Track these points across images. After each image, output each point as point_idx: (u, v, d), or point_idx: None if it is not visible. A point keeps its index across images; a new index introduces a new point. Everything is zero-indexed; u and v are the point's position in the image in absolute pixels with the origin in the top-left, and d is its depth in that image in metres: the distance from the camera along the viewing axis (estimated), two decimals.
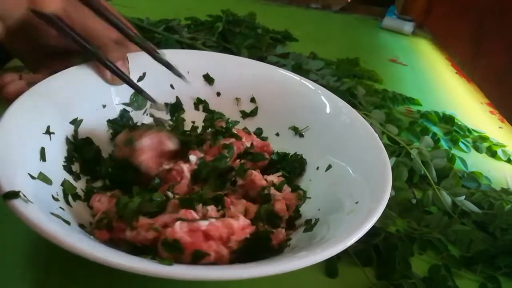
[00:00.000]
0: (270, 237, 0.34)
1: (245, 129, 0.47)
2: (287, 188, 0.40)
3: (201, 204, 0.34)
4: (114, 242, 0.32)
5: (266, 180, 0.40)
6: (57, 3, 0.29)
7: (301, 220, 0.38)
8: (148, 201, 0.33)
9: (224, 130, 0.43)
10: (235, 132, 0.43)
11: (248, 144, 0.43)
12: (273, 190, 0.38)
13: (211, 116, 0.48)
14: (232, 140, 0.42)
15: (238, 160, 0.41)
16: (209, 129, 0.45)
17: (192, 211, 0.32)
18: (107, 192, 0.37)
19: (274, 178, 0.41)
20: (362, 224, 0.30)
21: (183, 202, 0.33)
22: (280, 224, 0.37)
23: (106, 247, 0.28)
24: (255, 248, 0.33)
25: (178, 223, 0.30)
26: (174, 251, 0.29)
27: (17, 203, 0.27)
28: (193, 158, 0.39)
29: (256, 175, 0.39)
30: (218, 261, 0.31)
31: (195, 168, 0.39)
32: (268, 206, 0.37)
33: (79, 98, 0.41)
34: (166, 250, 0.30)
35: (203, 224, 0.31)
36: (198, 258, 0.30)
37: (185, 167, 0.38)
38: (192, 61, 0.49)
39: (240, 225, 0.32)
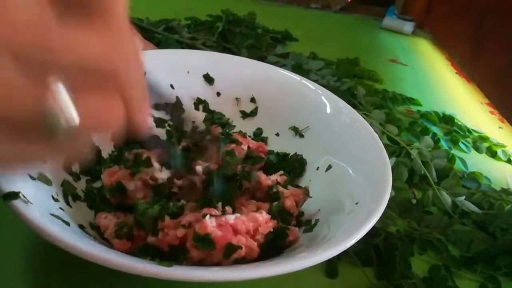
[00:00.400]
0: (287, 233, 0.34)
1: (240, 132, 0.46)
2: (290, 186, 0.40)
3: (220, 203, 0.34)
4: (133, 252, 0.30)
5: (269, 179, 0.40)
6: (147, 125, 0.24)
7: (303, 218, 0.38)
8: (167, 207, 0.33)
9: (224, 136, 0.43)
10: (236, 138, 0.43)
11: (245, 148, 0.43)
12: (280, 188, 0.39)
13: (211, 116, 0.48)
14: (233, 145, 0.42)
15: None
16: (208, 136, 0.45)
17: (213, 209, 0.32)
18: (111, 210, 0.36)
19: (277, 177, 0.41)
20: (362, 224, 0.30)
21: (203, 202, 0.33)
22: (291, 220, 0.37)
23: (105, 248, 0.28)
24: (274, 244, 0.33)
25: (207, 217, 0.30)
26: (206, 246, 0.29)
27: (17, 203, 0.27)
28: (199, 168, 0.38)
29: (261, 175, 0.39)
30: (247, 256, 0.30)
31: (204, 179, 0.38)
32: (279, 203, 0.37)
33: None
34: (199, 244, 0.29)
35: (231, 218, 0.31)
36: (230, 252, 0.29)
37: (197, 179, 0.37)
38: (192, 61, 0.49)
39: (264, 218, 0.32)
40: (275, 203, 0.37)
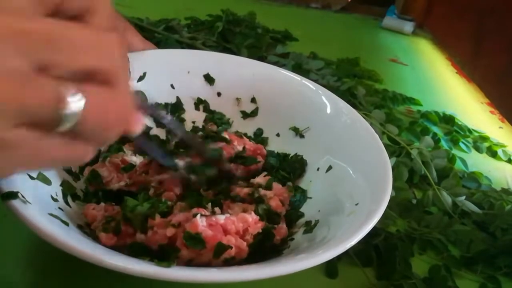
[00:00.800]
0: (273, 233, 0.35)
1: (237, 132, 0.46)
2: (276, 185, 0.40)
3: (210, 204, 0.35)
4: (119, 249, 0.30)
5: (252, 183, 0.40)
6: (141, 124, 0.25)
7: (303, 219, 0.38)
8: (157, 204, 0.33)
9: (214, 134, 0.43)
10: (225, 137, 0.43)
11: (240, 148, 0.43)
12: (263, 191, 0.38)
13: (212, 116, 0.48)
14: (222, 144, 0.42)
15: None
16: (200, 132, 0.45)
17: (203, 210, 0.33)
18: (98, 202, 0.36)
19: (260, 179, 0.41)
20: (362, 225, 0.30)
21: (193, 202, 0.34)
22: (279, 221, 0.37)
23: (104, 249, 0.28)
24: (262, 245, 0.33)
25: (198, 216, 0.30)
26: (197, 245, 0.29)
27: (16, 203, 0.27)
28: (180, 163, 0.39)
29: (236, 188, 0.39)
30: (237, 256, 0.31)
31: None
32: (264, 205, 0.37)
33: None
34: (190, 244, 0.29)
35: (221, 218, 0.31)
36: (220, 251, 0.30)
37: (177, 174, 0.37)
38: (192, 61, 0.49)
39: (253, 219, 0.33)
40: (260, 205, 0.37)
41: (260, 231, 0.33)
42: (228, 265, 0.30)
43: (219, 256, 0.30)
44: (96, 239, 0.32)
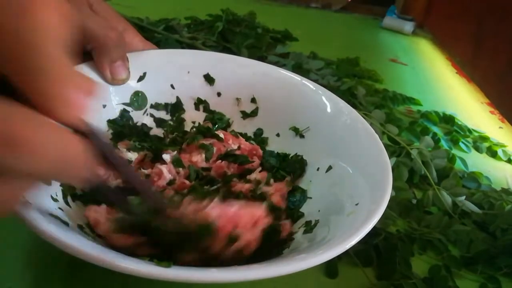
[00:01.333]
0: (280, 229, 0.35)
1: (232, 131, 0.46)
2: (273, 181, 0.40)
3: (217, 198, 0.35)
4: (132, 250, 0.30)
5: (249, 179, 0.40)
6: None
7: (303, 219, 0.38)
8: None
9: (205, 130, 0.43)
10: (217, 133, 0.43)
11: (235, 147, 0.43)
12: (264, 188, 0.39)
13: (212, 117, 0.48)
14: (213, 140, 0.42)
15: (220, 161, 0.41)
16: (193, 129, 0.45)
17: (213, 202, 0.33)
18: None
19: (256, 175, 0.41)
20: (362, 225, 0.30)
21: (201, 194, 0.34)
22: (282, 216, 0.38)
23: (103, 248, 0.28)
24: (269, 241, 0.34)
25: (211, 207, 0.31)
26: (209, 234, 0.30)
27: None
28: (166, 156, 0.39)
29: (237, 184, 0.39)
30: (246, 248, 0.31)
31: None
32: (268, 202, 0.37)
33: None
34: (202, 233, 0.30)
35: (231, 210, 0.31)
36: (232, 240, 0.30)
37: (164, 168, 0.38)
38: (192, 61, 0.49)
39: (263, 212, 0.33)
40: (264, 203, 0.37)
41: (268, 226, 0.33)
42: (235, 259, 0.31)
43: (229, 246, 0.30)
44: (96, 238, 0.32)
